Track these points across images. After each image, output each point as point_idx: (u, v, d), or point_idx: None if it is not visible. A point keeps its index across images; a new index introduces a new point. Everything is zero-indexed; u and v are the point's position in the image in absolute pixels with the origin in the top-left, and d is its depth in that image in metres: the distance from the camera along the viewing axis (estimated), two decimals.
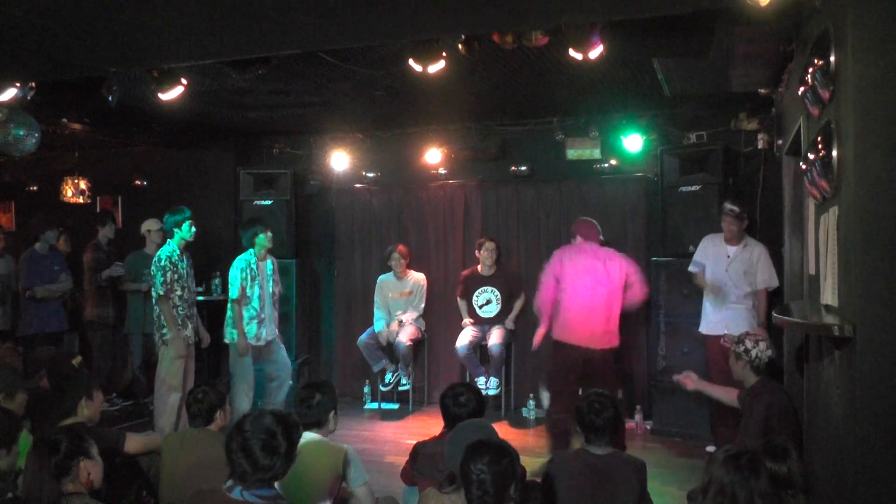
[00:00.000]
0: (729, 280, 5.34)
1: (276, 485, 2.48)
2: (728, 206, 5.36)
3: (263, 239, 5.87)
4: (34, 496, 2.61)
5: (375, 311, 7.07)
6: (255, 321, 5.80)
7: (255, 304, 5.79)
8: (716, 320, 5.39)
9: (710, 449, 5.41)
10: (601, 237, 5.40)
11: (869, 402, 2.48)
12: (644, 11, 3.38)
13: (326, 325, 7.72)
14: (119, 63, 4.25)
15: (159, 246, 6.02)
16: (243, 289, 5.74)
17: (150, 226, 6.77)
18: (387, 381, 6.83)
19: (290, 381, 6.11)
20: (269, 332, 5.92)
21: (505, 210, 7.10)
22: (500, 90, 5.77)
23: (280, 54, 4.34)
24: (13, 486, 2.86)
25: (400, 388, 6.90)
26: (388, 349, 6.83)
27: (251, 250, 5.87)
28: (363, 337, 6.85)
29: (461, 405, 3.39)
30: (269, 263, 6.02)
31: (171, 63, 4.43)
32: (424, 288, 7.10)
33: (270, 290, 5.97)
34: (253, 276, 5.82)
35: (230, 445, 2.37)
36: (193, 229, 5.61)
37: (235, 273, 5.75)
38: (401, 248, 7.00)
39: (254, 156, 7.82)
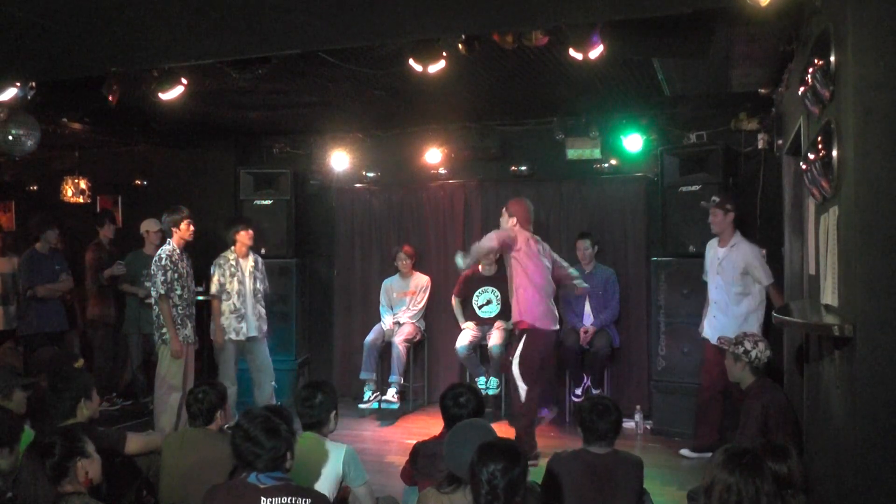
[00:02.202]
0: (722, 282, 5.33)
1: None
2: (712, 197, 5.44)
3: (243, 236, 6.02)
4: (29, 499, 2.60)
5: (381, 310, 7.08)
6: (235, 315, 5.92)
7: (235, 299, 5.93)
8: (712, 326, 5.38)
9: (684, 452, 5.42)
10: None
11: (869, 401, 2.49)
12: (644, 11, 3.39)
13: (326, 325, 7.71)
14: (119, 63, 4.25)
15: (158, 246, 6.04)
16: (220, 284, 5.91)
17: (148, 226, 6.78)
18: (364, 398, 6.73)
19: (274, 384, 6.14)
20: (251, 328, 5.98)
21: None
22: (500, 90, 5.77)
23: (280, 54, 4.34)
24: (13, 486, 2.85)
25: (372, 407, 6.73)
26: (388, 347, 6.81)
27: (231, 248, 6.03)
28: (371, 337, 6.83)
29: (461, 405, 3.39)
30: (251, 261, 6.11)
31: (171, 63, 4.43)
32: (428, 289, 7.09)
33: (252, 286, 6.05)
34: (232, 272, 5.96)
35: (235, 441, 2.60)
36: (192, 228, 5.62)
37: (213, 269, 5.97)
38: (406, 248, 7.03)
39: (254, 155, 7.81)
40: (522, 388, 5.23)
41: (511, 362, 5.32)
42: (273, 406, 2.80)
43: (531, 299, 5.25)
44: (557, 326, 5.50)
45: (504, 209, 5.54)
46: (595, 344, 6.24)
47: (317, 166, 7.49)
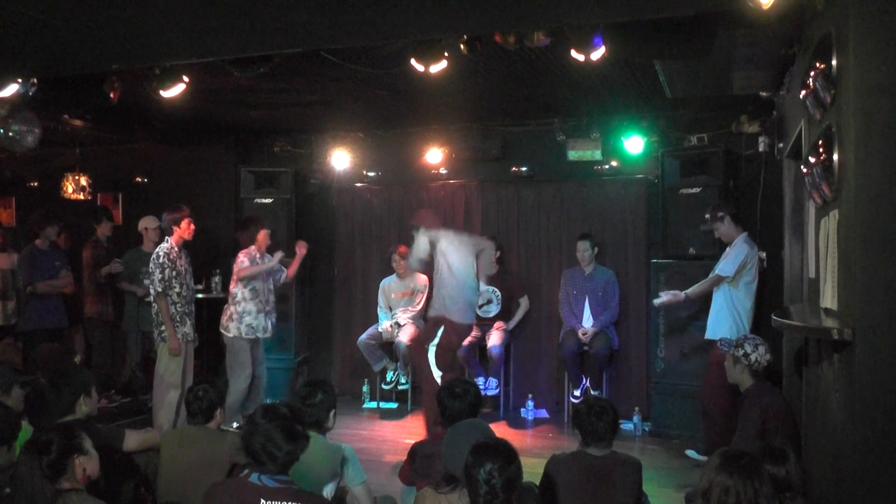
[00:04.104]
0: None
1: None
2: (705, 217, 5.55)
3: (263, 235, 6.04)
4: (27, 496, 2.60)
5: (379, 312, 7.07)
6: (263, 314, 5.91)
7: (262, 297, 5.91)
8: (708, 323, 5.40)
9: (690, 453, 5.42)
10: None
11: (868, 405, 2.49)
12: (646, 13, 3.39)
13: (326, 325, 7.71)
14: (121, 60, 4.25)
15: (157, 244, 6.04)
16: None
17: (146, 223, 6.78)
18: (388, 379, 6.82)
19: (263, 382, 6.16)
20: (272, 325, 6.01)
21: (505, 210, 7.11)
22: (501, 91, 5.77)
23: (282, 53, 4.34)
24: (10, 482, 2.85)
25: (400, 388, 6.90)
26: (389, 347, 6.82)
27: (251, 247, 6.00)
28: (363, 337, 6.84)
29: (456, 395, 3.37)
30: (268, 258, 6.13)
31: (172, 61, 4.44)
32: (426, 289, 7.08)
33: (271, 285, 6.07)
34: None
35: (251, 440, 2.54)
36: (193, 227, 5.62)
37: (243, 259, 5.89)
38: (401, 248, 6.99)
39: (255, 154, 7.81)
40: (438, 373, 5.45)
41: (425, 350, 5.51)
42: (293, 406, 2.76)
43: (450, 294, 5.46)
44: (473, 320, 5.76)
45: (414, 232, 5.73)
46: (594, 345, 6.24)
47: (318, 165, 7.49)
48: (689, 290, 5.32)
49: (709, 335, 5.32)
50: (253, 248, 6.00)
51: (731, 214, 5.33)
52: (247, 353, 5.83)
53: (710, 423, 5.30)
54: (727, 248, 5.32)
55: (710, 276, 5.24)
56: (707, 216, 5.46)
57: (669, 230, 6.12)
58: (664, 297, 5.45)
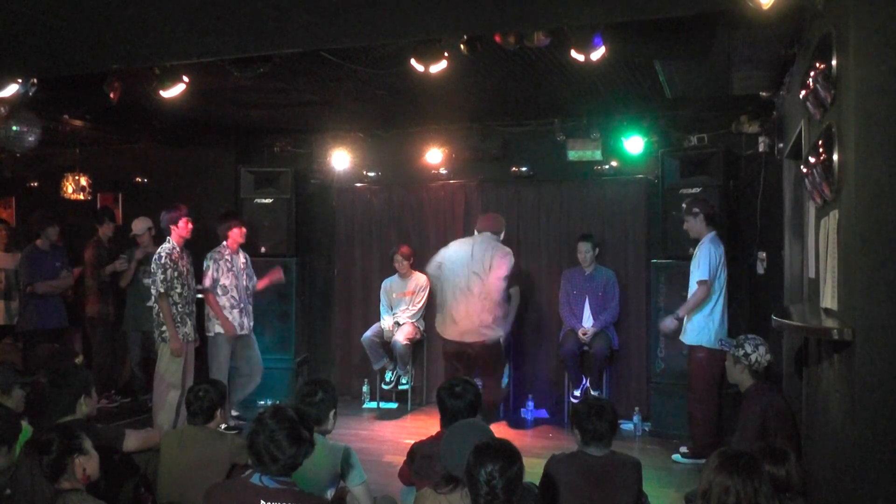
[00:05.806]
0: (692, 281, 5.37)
1: None
2: (682, 205, 5.55)
3: (236, 233, 6.15)
4: (27, 496, 2.60)
5: (381, 312, 7.06)
6: (237, 311, 6.05)
7: (234, 293, 6.05)
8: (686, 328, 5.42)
9: (676, 457, 5.42)
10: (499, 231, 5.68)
11: (868, 405, 2.49)
12: (646, 13, 3.39)
13: (325, 324, 7.72)
14: (121, 60, 4.25)
15: (155, 243, 6.10)
16: (214, 279, 6.01)
17: (138, 228, 6.82)
18: (388, 379, 6.83)
19: (259, 380, 6.29)
20: (249, 324, 6.17)
21: (505, 210, 7.08)
22: (501, 90, 5.77)
23: (282, 53, 4.34)
24: (11, 483, 2.85)
25: (400, 388, 6.91)
26: (388, 346, 6.83)
27: (224, 243, 6.15)
28: (368, 333, 6.85)
29: (456, 395, 3.37)
30: (242, 257, 6.26)
31: (173, 61, 4.43)
32: (427, 289, 7.08)
33: (244, 282, 6.21)
34: (228, 267, 6.08)
35: (256, 439, 2.53)
36: (191, 226, 5.65)
37: (207, 263, 6.03)
38: (403, 249, 7.01)
39: (255, 154, 7.81)
40: None
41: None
42: (301, 410, 2.76)
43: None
44: (456, 338, 5.61)
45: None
46: (594, 345, 6.24)
47: (318, 165, 7.49)
48: (683, 312, 5.28)
49: (682, 338, 5.37)
50: (226, 244, 6.12)
51: (706, 213, 5.35)
52: (224, 348, 6.03)
53: (698, 428, 5.31)
54: (696, 248, 5.35)
55: (693, 288, 5.25)
56: (684, 205, 5.49)
57: (669, 230, 6.12)
58: (668, 325, 5.38)
